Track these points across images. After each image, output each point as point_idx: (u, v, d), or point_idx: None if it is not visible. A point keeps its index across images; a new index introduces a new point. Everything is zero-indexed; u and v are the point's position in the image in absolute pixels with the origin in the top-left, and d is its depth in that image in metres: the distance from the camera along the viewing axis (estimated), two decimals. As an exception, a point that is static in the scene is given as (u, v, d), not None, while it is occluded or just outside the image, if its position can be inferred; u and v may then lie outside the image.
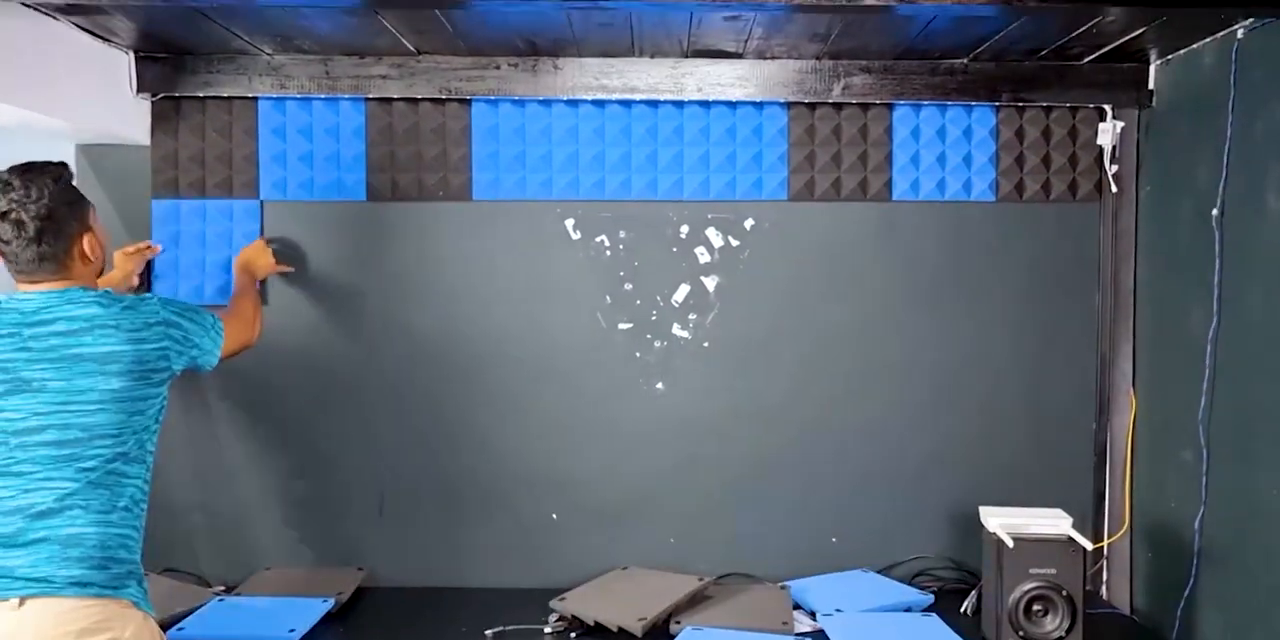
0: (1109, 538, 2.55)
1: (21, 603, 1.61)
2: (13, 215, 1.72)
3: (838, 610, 2.27)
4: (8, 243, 1.73)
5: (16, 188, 1.73)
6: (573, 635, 2.19)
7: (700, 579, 2.35)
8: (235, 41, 2.30)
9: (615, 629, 2.16)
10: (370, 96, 2.47)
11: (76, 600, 1.64)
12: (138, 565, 1.75)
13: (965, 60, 2.46)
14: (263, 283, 2.46)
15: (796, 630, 2.19)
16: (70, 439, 1.69)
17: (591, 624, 2.20)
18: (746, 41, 2.30)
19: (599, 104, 2.51)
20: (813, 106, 2.52)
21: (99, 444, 1.71)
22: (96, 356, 1.72)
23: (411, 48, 2.37)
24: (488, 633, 2.18)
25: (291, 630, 2.13)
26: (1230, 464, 2.09)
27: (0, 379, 1.69)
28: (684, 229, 2.54)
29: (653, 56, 2.44)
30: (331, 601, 2.28)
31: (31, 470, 1.68)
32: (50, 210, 1.74)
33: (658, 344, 2.55)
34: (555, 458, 2.54)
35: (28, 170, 1.76)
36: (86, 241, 1.81)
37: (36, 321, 1.72)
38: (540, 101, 2.50)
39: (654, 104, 2.51)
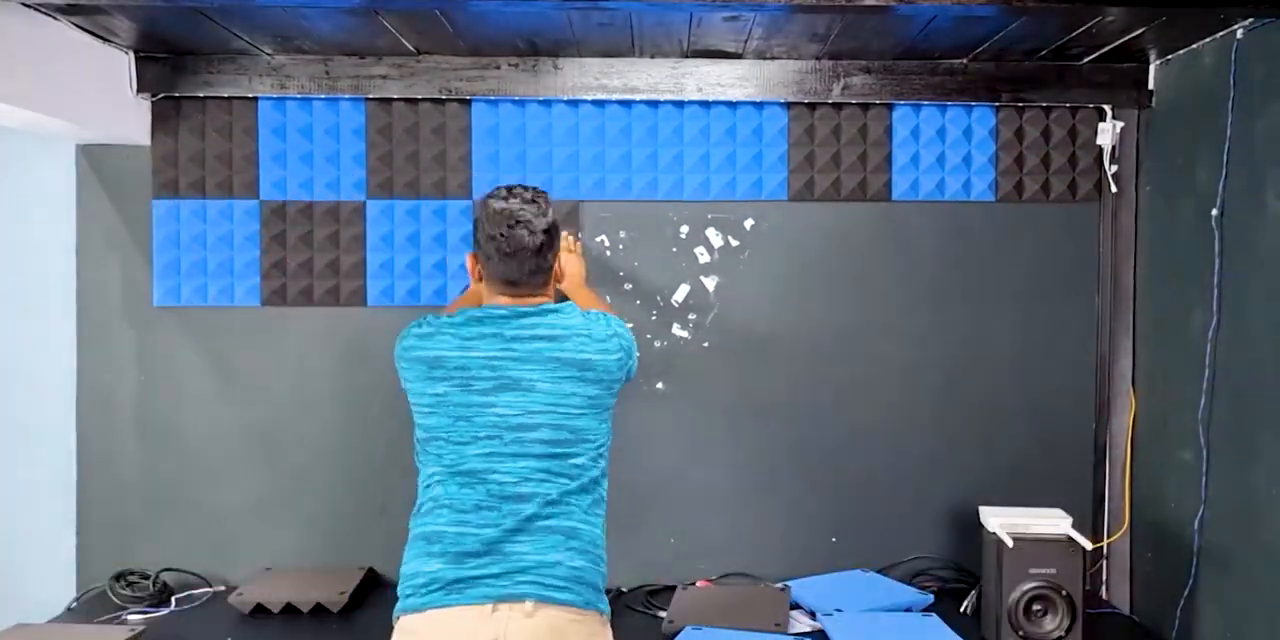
0: (1109, 537, 2.55)
1: (535, 608, 1.65)
2: (522, 226, 1.74)
3: (838, 610, 2.27)
4: (511, 254, 1.75)
5: (527, 200, 1.77)
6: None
7: None
8: (235, 41, 2.30)
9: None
10: (370, 96, 2.47)
11: (573, 614, 1.69)
12: (605, 574, 1.81)
13: (965, 60, 2.46)
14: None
15: (796, 630, 2.19)
16: (561, 439, 1.75)
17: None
18: (746, 42, 2.30)
19: (599, 104, 2.51)
20: (813, 107, 2.52)
21: (583, 448, 1.77)
22: (576, 363, 1.76)
23: (411, 48, 2.37)
24: (488, 633, 2.18)
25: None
26: (1230, 464, 2.09)
27: (488, 376, 1.74)
28: (684, 229, 2.54)
29: (653, 57, 2.44)
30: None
31: (529, 465, 1.73)
32: (550, 225, 1.79)
33: (658, 344, 2.55)
34: (555, 458, 2.54)
35: (527, 187, 1.81)
36: (561, 262, 1.88)
37: (517, 326, 1.76)
38: (540, 101, 2.49)
39: (654, 104, 2.51)
